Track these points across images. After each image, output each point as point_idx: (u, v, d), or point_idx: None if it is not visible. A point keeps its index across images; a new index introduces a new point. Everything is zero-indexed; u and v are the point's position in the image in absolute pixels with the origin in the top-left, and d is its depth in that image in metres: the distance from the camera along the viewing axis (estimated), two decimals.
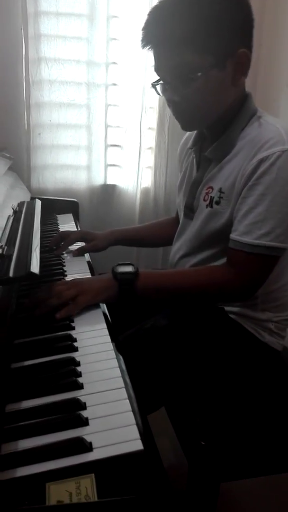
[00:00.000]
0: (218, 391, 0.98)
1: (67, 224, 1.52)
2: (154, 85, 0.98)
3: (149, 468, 0.51)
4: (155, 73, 0.97)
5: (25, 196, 1.50)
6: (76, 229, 1.48)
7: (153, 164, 1.93)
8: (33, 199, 1.55)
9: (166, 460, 1.47)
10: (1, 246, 0.84)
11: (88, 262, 1.17)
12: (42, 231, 1.26)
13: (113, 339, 0.78)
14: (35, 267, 0.75)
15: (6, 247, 0.85)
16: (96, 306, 0.89)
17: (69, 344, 0.74)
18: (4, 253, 0.82)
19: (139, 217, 1.98)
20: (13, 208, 1.15)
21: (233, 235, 0.93)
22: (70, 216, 1.61)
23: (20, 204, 1.26)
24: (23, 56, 1.66)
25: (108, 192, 1.96)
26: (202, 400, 0.96)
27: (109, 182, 1.95)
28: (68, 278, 1.06)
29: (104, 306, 0.91)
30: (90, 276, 1.07)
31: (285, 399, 1.01)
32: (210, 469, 0.88)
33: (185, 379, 0.99)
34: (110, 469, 0.51)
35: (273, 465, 0.93)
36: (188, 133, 1.18)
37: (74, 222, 1.56)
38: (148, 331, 1.01)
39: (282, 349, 1.09)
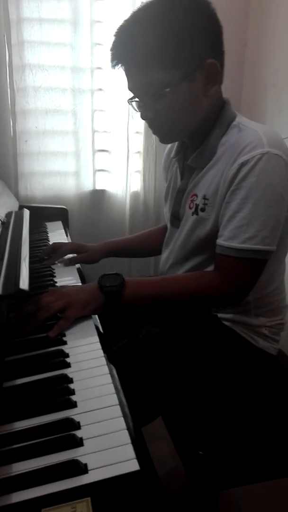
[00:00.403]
0: (214, 399, 0.98)
1: (56, 232, 1.51)
2: (129, 102, 0.98)
3: (146, 488, 0.50)
4: None
5: (13, 205, 1.48)
6: (66, 237, 1.48)
7: (141, 168, 1.93)
8: (21, 207, 1.54)
9: (165, 465, 1.47)
10: None
11: (79, 270, 1.17)
12: (31, 240, 1.26)
13: (106, 352, 0.77)
14: (24, 283, 0.74)
15: None
16: (88, 317, 0.89)
17: (62, 360, 0.73)
18: None
19: (130, 221, 1.98)
20: (1, 220, 1.14)
21: (219, 240, 0.93)
22: (59, 224, 1.60)
23: (8, 215, 1.25)
24: (7, 63, 1.64)
25: (97, 197, 1.95)
26: (198, 409, 0.96)
27: (98, 187, 1.94)
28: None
29: (96, 317, 0.90)
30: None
31: (281, 403, 1.00)
32: (208, 478, 0.88)
33: (180, 387, 0.99)
34: (106, 491, 0.50)
35: (272, 470, 0.93)
36: None
37: (63, 230, 1.55)
38: (142, 340, 0.99)
39: (277, 353, 1.09)
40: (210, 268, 1.01)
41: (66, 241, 1.34)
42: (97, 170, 1.91)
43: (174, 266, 1.11)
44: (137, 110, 0.98)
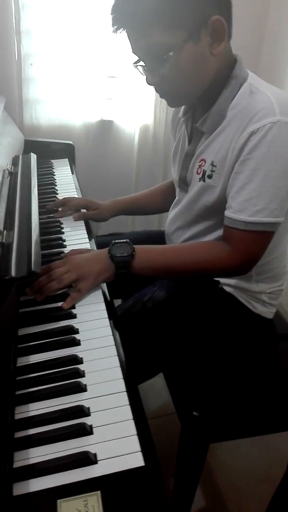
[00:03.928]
0: (210, 362, 1.04)
1: (63, 172, 1.48)
2: (135, 66, 0.92)
3: (150, 484, 0.56)
4: None
5: (19, 142, 1.43)
6: (72, 175, 1.46)
7: (153, 100, 1.82)
8: (27, 143, 1.50)
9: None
10: (0, 232, 0.82)
11: (87, 226, 1.16)
12: (38, 185, 1.24)
13: (111, 317, 0.82)
14: (36, 264, 0.74)
15: (5, 232, 0.83)
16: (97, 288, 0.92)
17: (72, 339, 0.77)
18: (4, 240, 0.80)
19: (137, 155, 1.92)
20: (8, 170, 1.11)
21: (227, 212, 0.92)
22: (65, 162, 1.56)
23: (15, 160, 1.21)
24: None
25: (105, 128, 1.87)
26: (195, 370, 1.02)
27: (106, 118, 1.85)
28: (67, 242, 1.08)
29: (105, 287, 0.92)
30: (88, 242, 1.08)
31: (274, 367, 1.07)
32: (200, 435, 0.96)
33: (180, 349, 1.04)
34: (114, 485, 0.56)
35: (257, 428, 1.02)
36: None
37: (70, 168, 1.52)
38: (146, 303, 1.03)
39: (274, 316, 1.14)
40: (216, 233, 1.02)
41: (76, 196, 1.31)
42: (107, 99, 1.81)
43: (180, 229, 1.11)
44: (143, 73, 0.93)
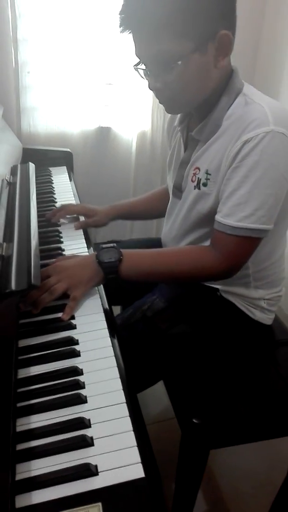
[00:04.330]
0: (210, 368, 1.05)
1: (61, 180, 1.48)
2: (136, 68, 0.92)
3: (150, 496, 0.57)
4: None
5: (17, 150, 1.44)
6: (70, 182, 1.47)
7: (151, 106, 1.84)
8: (25, 152, 1.50)
9: None
10: (0, 244, 0.83)
11: (85, 233, 1.17)
12: (37, 193, 1.25)
13: (110, 327, 0.83)
14: (36, 277, 0.75)
15: (5, 244, 0.84)
16: (94, 295, 0.93)
17: (72, 350, 0.77)
18: (3, 253, 0.81)
19: (135, 162, 1.93)
20: (7, 180, 1.12)
21: (217, 216, 0.94)
22: (64, 169, 1.57)
23: (13, 170, 1.22)
24: None
25: (102, 135, 1.88)
26: (195, 377, 1.03)
27: (103, 124, 1.86)
28: (66, 252, 1.09)
29: (104, 298, 0.93)
30: (87, 251, 1.09)
31: (275, 371, 1.08)
32: (200, 442, 0.97)
33: (180, 356, 1.05)
34: (114, 497, 0.57)
35: (256, 434, 1.02)
36: None
37: (68, 176, 1.53)
38: (146, 312, 1.05)
39: (272, 322, 1.15)
40: None
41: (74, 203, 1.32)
42: (104, 106, 1.82)
43: (175, 239, 1.12)
44: (144, 77, 0.93)
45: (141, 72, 0.92)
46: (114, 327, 0.85)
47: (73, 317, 0.87)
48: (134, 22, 0.84)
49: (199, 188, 0.99)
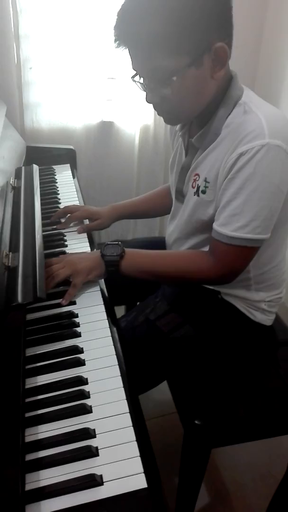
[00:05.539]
0: (212, 370, 1.08)
1: (64, 178, 1.49)
2: (134, 80, 0.93)
3: (152, 503, 0.60)
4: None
5: (21, 150, 1.45)
6: (73, 180, 1.49)
7: None
8: (28, 149, 1.51)
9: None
10: (6, 254, 0.85)
11: (89, 237, 1.19)
12: (41, 195, 1.27)
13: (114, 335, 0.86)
14: (41, 290, 0.78)
15: (11, 254, 0.86)
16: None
17: (77, 359, 0.80)
18: (9, 264, 0.83)
19: (138, 156, 1.93)
20: (11, 184, 1.13)
21: (214, 225, 0.96)
22: (67, 167, 1.57)
23: (18, 173, 1.23)
24: None
25: (105, 129, 1.88)
26: (197, 378, 1.06)
27: (106, 119, 1.85)
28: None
29: (107, 302, 0.96)
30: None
31: (275, 372, 1.11)
32: (202, 442, 1.01)
33: (182, 358, 1.08)
34: (119, 506, 0.60)
35: (262, 432, 1.05)
36: None
37: (71, 173, 1.54)
38: (149, 315, 1.07)
39: (273, 322, 1.17)
40: None
41: (78, 204, 1.33)
42: (106, 100, 1.81)
43: (178, 241, 1.14)
44: (142, 89, 0.94)
45: (139, 85, 0.93)
46: (118, 330, 0.88)
47: (78, 325, 0.89)
48: (128, 38, 0.85)
49: (198, 195, 1.01)
